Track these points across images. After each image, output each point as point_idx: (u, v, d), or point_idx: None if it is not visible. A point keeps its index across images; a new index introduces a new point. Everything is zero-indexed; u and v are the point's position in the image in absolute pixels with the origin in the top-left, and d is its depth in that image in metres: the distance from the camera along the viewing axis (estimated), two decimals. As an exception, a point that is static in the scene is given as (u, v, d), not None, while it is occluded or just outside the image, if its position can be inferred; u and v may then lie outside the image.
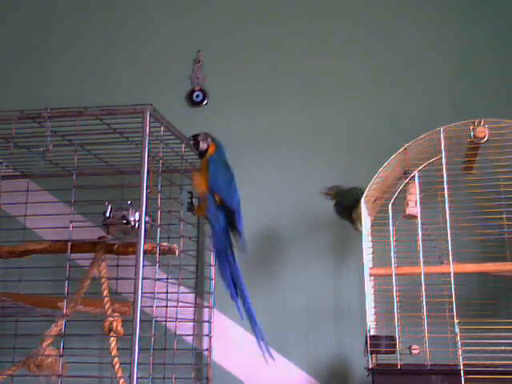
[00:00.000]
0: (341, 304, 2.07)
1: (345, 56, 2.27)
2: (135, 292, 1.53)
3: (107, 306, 1.73)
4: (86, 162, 1.99)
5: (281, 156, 2.21)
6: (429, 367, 1.59)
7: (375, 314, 1.71)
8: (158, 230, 1.68)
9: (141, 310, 1.53)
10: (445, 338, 1.60)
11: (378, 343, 1.65)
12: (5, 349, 2.05)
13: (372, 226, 1.79)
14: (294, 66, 2.28)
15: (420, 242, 1.66)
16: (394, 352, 1.63)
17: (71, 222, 1.66)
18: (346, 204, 1.89)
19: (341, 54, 2.27)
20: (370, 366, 1.63)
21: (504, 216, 1.74)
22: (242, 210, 1.89)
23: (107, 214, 1.74)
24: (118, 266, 1.88)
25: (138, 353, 1.50)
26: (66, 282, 1.63)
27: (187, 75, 2.32)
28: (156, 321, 1.70)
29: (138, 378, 1.49)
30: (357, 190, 1.84)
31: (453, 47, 2.21)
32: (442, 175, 1.67)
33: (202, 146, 1.91)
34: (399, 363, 1.61)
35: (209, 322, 2.09)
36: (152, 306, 1.68)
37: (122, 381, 1.65)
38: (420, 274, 1.64)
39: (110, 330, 1.67)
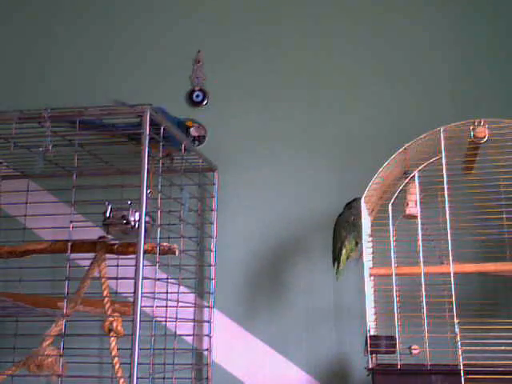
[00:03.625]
0: (341, 304, 2.06)
1: (345, 56, 2.27)
2: (135, 292, 1.53)
3: (107, 305, 1.73)
4: (86, 162, 1.99)
5: (281, 156, 2.21)
6: (429, 367, 1.58)
7: (375, 314, 1.71)
8: (158, 229, 1.68)
9: (141, 310, 1.53)
10: (445, 338, 1.60)
11: (378, 343, 1.64)
12: (5, 349, 2.05)
13: (372, 226, 1.79)
14: (294, 66, 2.28)
15: (420, 242, 1.66)
16: (394, 352, 1.63)
17: (71, 222, 1.65)
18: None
19: (341, 53, 2.27)
20: (370, 366, 1.63)
21: (504, 216, 1.74)
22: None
23: (107, 214, 1.73)
24: (117, 266, 1.87)
25: (138, 353, 1.50)
26: (66, 282, 1.63)
27: (187, 75, 2.32)
28: (156, 321, 1.70)
29: (137, 377, 1.49)
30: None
31: (453, 47, 2.20)
32: (442, 175, 1.66)
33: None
34: (399, 363, 1.61)
35: (209, 322, 2.09)
36: (152, 306, 1.68)
37: (122, 381, 1.65)
38: (420, 274, 1.64)
39: (110, 329, 1.67)
